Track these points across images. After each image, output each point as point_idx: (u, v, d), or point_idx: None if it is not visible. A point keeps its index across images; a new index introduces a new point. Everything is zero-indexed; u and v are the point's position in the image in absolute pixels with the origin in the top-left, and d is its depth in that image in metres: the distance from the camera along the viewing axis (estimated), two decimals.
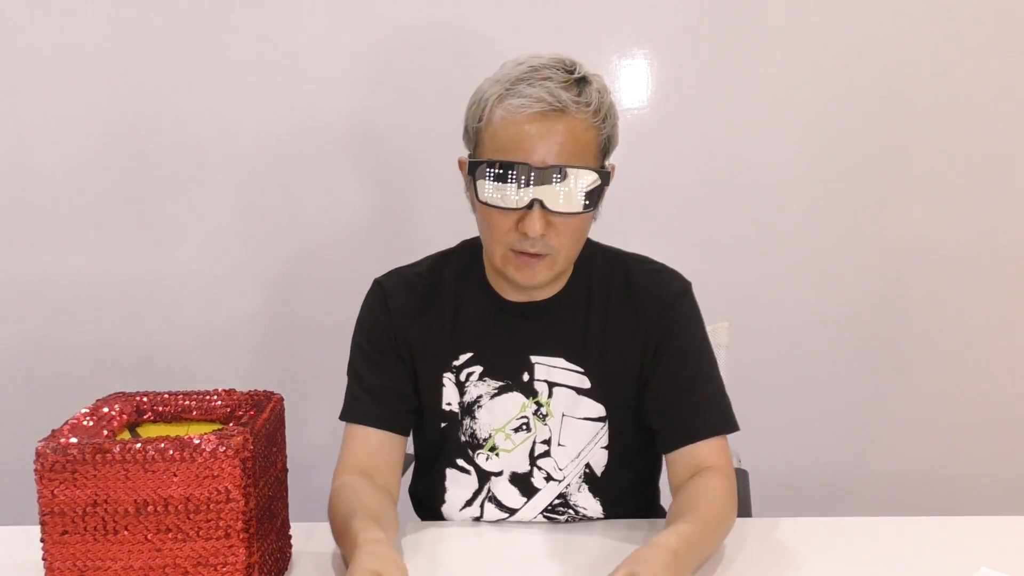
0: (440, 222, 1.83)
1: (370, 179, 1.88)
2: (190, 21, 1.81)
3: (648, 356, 1.19)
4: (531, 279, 1.12)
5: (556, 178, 1.05)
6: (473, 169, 1.08)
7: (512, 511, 1.21)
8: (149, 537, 0.94)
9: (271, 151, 1.86)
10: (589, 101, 1.07)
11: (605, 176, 1.09)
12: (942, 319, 1.94)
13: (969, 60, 1.84)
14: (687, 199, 1.89)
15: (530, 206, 1.06)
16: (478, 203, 1.10)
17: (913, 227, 1.90)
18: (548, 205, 1.06)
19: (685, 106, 1.86)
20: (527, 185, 1.05)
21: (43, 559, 0.95)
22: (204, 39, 1.81)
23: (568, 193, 1.06)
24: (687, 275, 1.25)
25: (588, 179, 1.06)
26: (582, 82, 1.08)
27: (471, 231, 1.24)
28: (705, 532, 1.05)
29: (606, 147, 1.11)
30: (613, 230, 1.34)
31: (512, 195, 1.06)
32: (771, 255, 1.91)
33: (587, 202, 1.07)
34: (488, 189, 1.07)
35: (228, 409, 1.08)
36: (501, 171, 1.05)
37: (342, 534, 1.06)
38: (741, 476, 1.44)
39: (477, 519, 1.22)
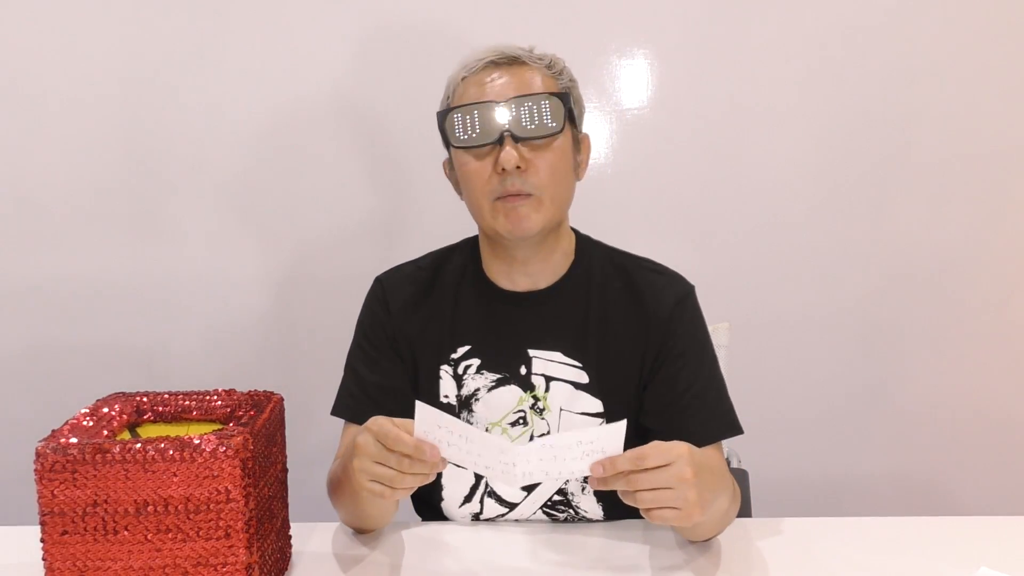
0: (442, 222, 1.82)
1: (371, 179, 1.88)
2: (189, 22, 1.80)
3: (648, 360, 1.19)
4: (519, 225, 1.12)
5: (519, 105, 1.11)
6: (442, 121, 1.14)
7: (512, 506, 1.21)
8: (149, 537, 0.94)
9: (270, 151, 1.86)
10: (542, 56, 1.16)
11: (567, 98, 1.13)
12: (942, 318, 1.94)
13: (969, 59, 1.84)
14: (687, 199, 1.89)
15: (500, 140, 1.10)
16: (454, 151, 1.16)
17: (913, 227, 1.90)
18: (517, 133, 1.10)
19: (685, 106, 1.86)
20: (492, 119, 1.11)
21: (43, 559, 0.95)
22: (203, 39, 1.81)
23: (533, 117, 1.11)
24: (687, 275, 1.25)
25: (551, 102, 1.11)
26: (533, 50, 1.17)
27: (473, 230, 1.24)
28: (730, 490, 1.08)
29: (566, 100, 1.15)
30: (614, 230, 1.34)
31: (480, 132, 1.11)
32: (771, 255, 1.91)
33: (553, 124, 1.11)
34: (458, 132, 1.13)
35: (228, 409, 1.08)
36: (465, 114, 1.12)
37: (338, 478, 1.10)
38: (741, 476, 1.44)
39: (477, 515, 1.23)
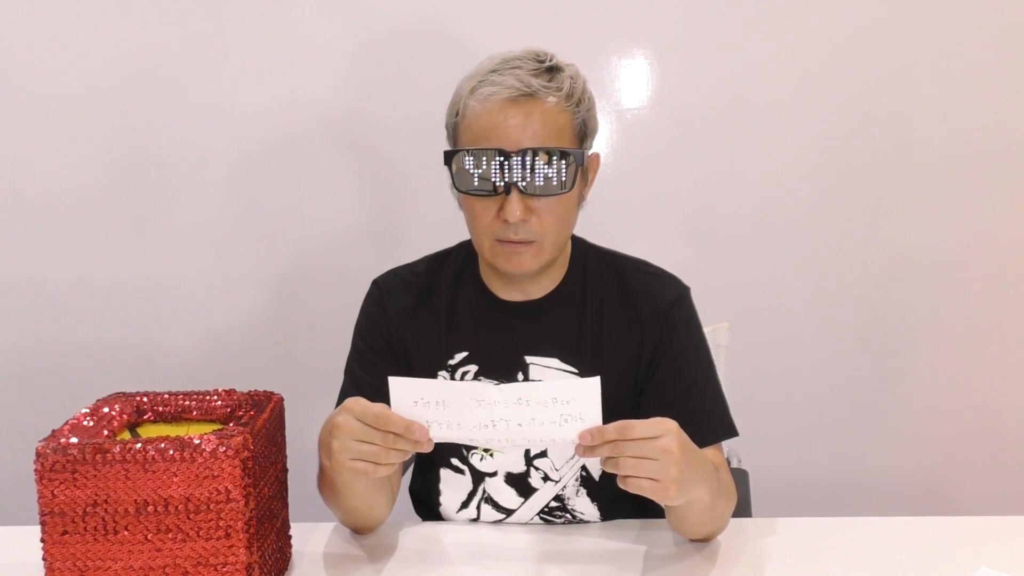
0: (440, 222, 1.82)
1: (370, 179, 1.88)
2: (189, 22, 1.80)
3: (643, 363, 1.19)
4: (519, 267, 1.12)
5: (530, 161, 1.06)
6: (449, 160, 1.10)
7: (509, 512, 1.21)
8: (149, 537, 0.94)
9: (271, 151, 1.86)
10: (560, 86, 1.09)
11: (580, 156, 1.10)
12: (942, 318, 1.94)
13: (969, 59, 1.84)
14: (687, 199, 1.89)
15: (507, 191, 1.07)
16: (459, 194, 1.13)
17: (913, 227, 1.90)
18: (524, 188, 1.07)
19: (685, 106, 1.86)
20: (502, 170, 1.06)
21: (43, 559, 0.95)
22: (203, 40, 1.81)
23: (544, 175, 1.07)
24: (687, 275, 1.25)
25: (563, 160, 1.07)
26: (553, 69, 1.11)
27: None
28: (721, 485, 1.07)
29: (582, 131, 1.12)
30: (613, 230, 1.34)
31: (488, 181, 1.08)
32: (771, 254, 1.91)
33: (563, 183, 1.08)
34: (465, 178, 1.09)
35: (228, 409, 1.08)
36: (476, 158, 1.07)
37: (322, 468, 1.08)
38: (741, 476, 1.44)
39: (474, 521, 1.22)
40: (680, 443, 0.92)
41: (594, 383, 0.91)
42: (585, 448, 0.92)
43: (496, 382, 1.19)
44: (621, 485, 0.93)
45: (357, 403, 0.95)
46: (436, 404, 0.92)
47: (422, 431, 0.92)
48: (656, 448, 0.91)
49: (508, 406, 0.92)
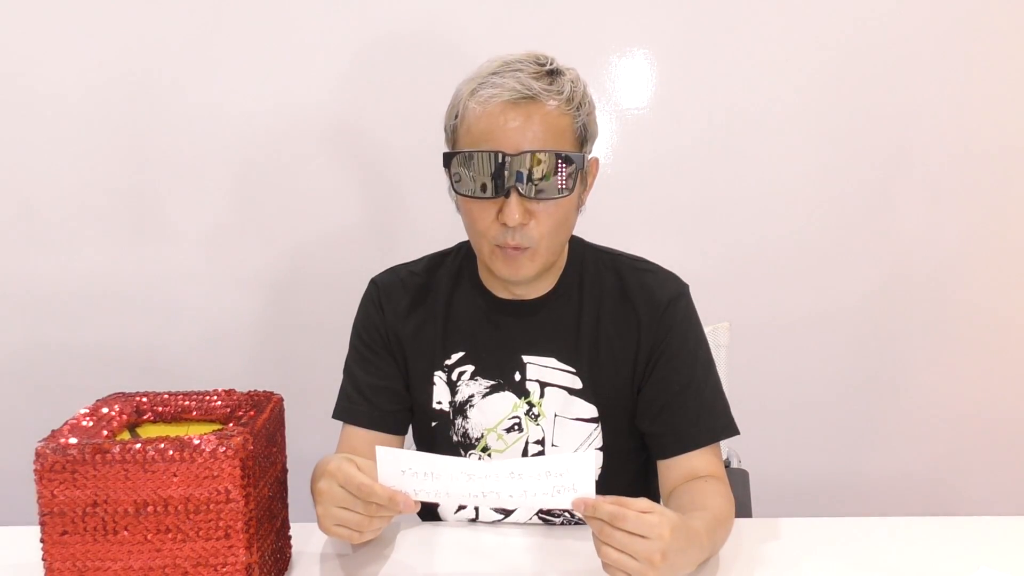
0: (439, 223, 1.82)
1: (369, 179, 1.88)
2: (189, 23, 1.80)
3: (641, 362, 1.18)
4: (516, 273, 1.12)
5: (530, 163, 1.05)
6: (448, 162, 1.09)
7: (508, 512, 1.21)
8: (149, 537, 0.94)
9: (270, 151, 1.86)
10: (561, 90, 1.08)
11: (580, 160, 1.09)
12: (942, 319, 1.94)
13: (969, 60, 1.84)
14: (687, 199, 1.89)
15: (507, 194, 1.06)
16: (458, 197, 1.12)
17: (913, 227, 1.90)
18: (524, 191, 1.06)
19: (685, 106, 1.86)
20: (502, 173, 1.05)
21: (43, 559, 0.95)
22: (202, 41, 1.81)
23: (544, 178, 1.06)
24: (687, 275, 1.24)
25: (563, 163, 1.07)
26: (554, 73, 1.10)
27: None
28: (716, 527, 1.05)
29: (583, 136, 1.12)
30: (613, 230, 1.34)
31: (488, 184, 1.06)
32: (771, 255, 1.91)
33: (564, 187, 1.07)
34: (464, 180, 1.08)
35: (228, 409, 1.08)
36: (475, 160, 1.06)
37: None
38: (741, 476, 1.44)
39: (473, 521, 1.22)
40: (665, 552, 0.89)
41: (589, 457, 0.91)
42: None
43: (493, 381, 1.19)
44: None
45: (340, 471, 0.94)
46: (424, 475, 0.91)
47: (407, 502, 0.92)
48: (640, 550, 0.89)
49: (500, 479, 0.91)
